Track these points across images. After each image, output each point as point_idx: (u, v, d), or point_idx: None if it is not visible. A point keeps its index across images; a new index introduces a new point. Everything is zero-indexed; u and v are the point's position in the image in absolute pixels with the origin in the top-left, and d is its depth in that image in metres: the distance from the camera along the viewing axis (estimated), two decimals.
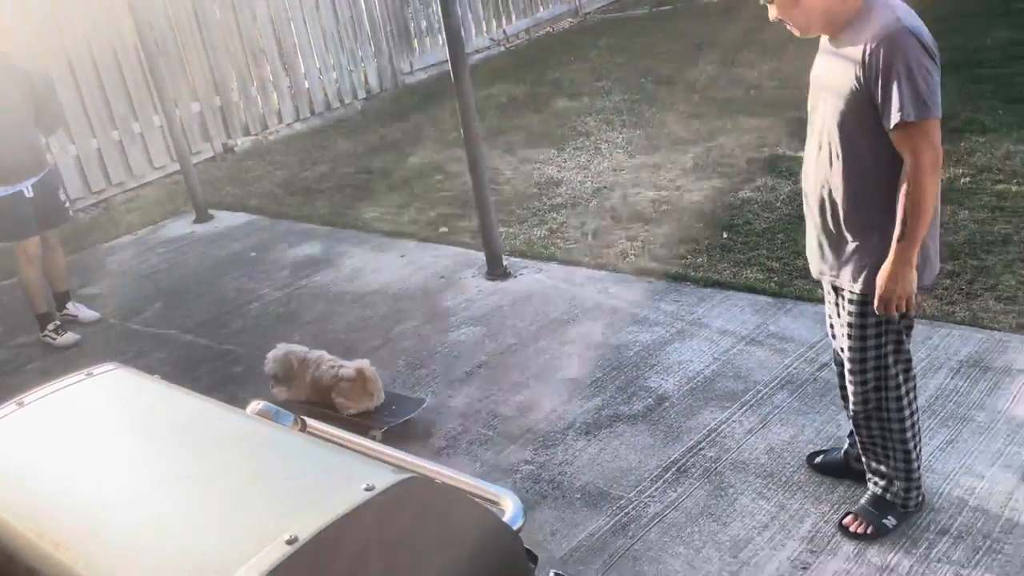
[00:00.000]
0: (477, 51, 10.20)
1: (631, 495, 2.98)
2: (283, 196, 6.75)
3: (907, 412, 2.51)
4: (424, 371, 3.98)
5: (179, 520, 1.06)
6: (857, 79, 2.16)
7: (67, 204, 4.90)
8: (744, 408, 3.34)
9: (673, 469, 3.08)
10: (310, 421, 1.48)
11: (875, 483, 2.65)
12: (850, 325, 2.46)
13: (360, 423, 3.44)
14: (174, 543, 1.02)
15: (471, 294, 4.66)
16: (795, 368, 3.53)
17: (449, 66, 4.49)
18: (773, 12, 2.29)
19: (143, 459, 1.21)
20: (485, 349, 4.09)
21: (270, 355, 3.75)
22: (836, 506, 2.78)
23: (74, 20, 6.98)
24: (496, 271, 4.80)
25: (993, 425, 3.01)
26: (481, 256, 4.91)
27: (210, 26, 7.91)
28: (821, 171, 2.38)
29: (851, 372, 2.52)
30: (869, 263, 2.33)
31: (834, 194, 2.35)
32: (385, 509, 1.03)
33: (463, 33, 10.72)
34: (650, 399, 3.50)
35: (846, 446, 2.87)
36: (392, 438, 3.31)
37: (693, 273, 4.48)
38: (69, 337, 4.79)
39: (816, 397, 3.33)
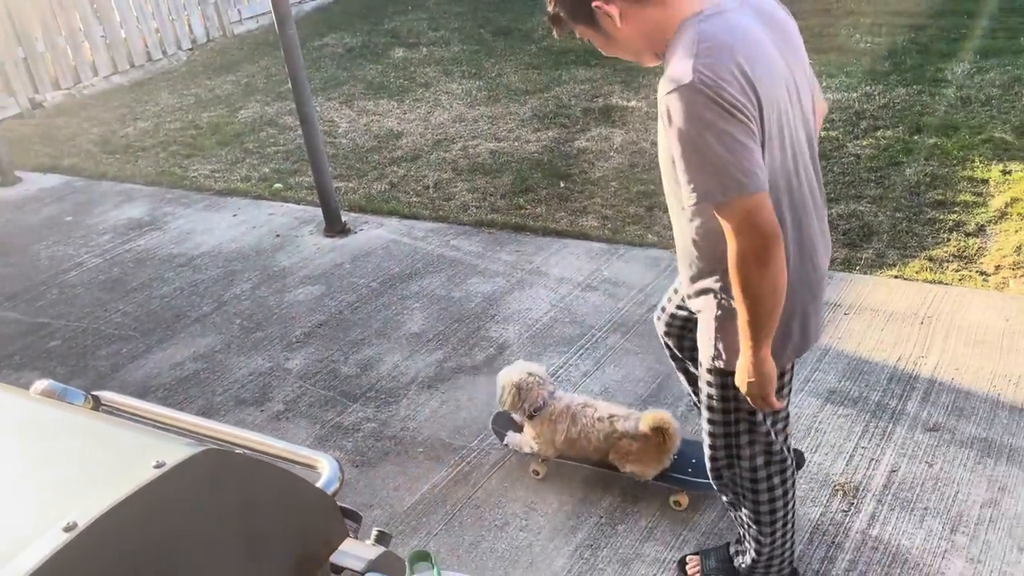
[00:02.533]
0: None
1: (473, 444, 3.03)
2: (101, 155, 6.27)
3: (764, 498, 2.12)
4: (260, 334, 3.85)
5: None
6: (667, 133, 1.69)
7: None
8: (580, 352, 3.45)
9: None
10: (107, 395, 1.40)
11: (736, 538, 2.34)
12: (702, 390, 2.08)
13: (655, 485, 2.68)
14: None
15: (309, 252, 4.54)
16: (627, 311, 3.68)
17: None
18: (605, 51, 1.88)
19: None
20: (324, 308, 4.00)
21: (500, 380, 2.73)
22: None
23: None
24: (335, 227, 4.69)
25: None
26: (319, 213, 4.78)
27: None
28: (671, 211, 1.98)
29: (704, 436, 2.13)
30: (713, 332, 1.92)
31: (677, 241, 1.96)
32: (176, 485, 0.98)
33: None
34: (491, 349, 3.55)
35: None
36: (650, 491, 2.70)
37: (532, 223, 4.54)
38: None
39: (647, 337, 3.48)
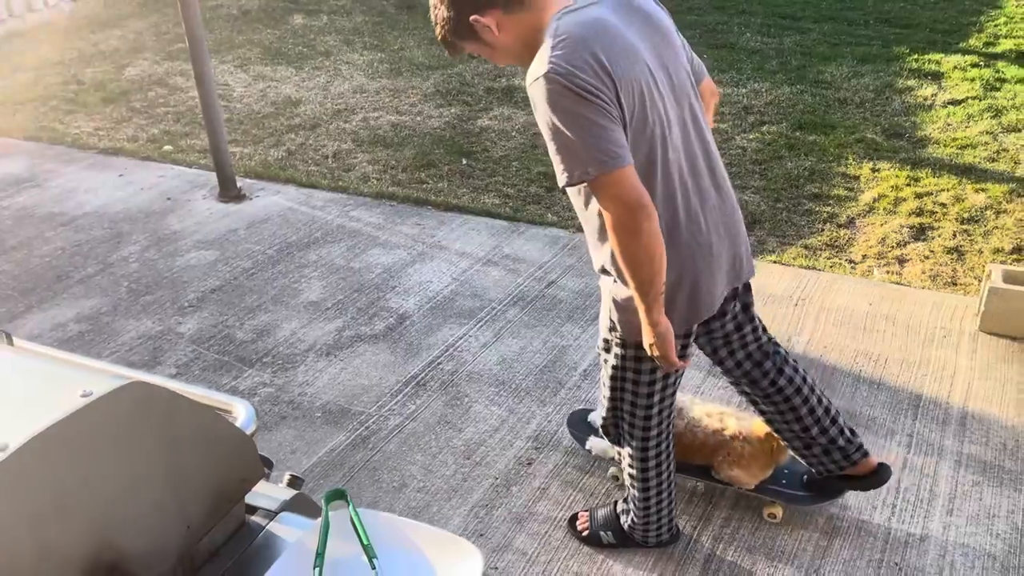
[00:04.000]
0: None
1: (372, 410, 3.07)
2: None
3: (637, 467, 2.29)
4: (150, 297, 3.74)
5: None
6: None
7: None
8: (480, 324, 3.53)
9: (413, 384, 3.20)
10: (18, 340, 1.37)
11: (624, 497, 2.46)
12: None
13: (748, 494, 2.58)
14: None
15: (201, 216, 4.42)
16: (526, 286, 3.78)
17: None
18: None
19: None
20: (219, 273, 3.92)
21: None
22: (559, 407, 3.06)
23: None
24: (229, 192, 4.59)
25: None
26: (213, 177, 4.66)
27: None
28: None
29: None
30: (611, 305, 2.06)
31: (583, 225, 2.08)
32: (106, 414, 1.00)
33: None
34: (391, 319, 3.58)
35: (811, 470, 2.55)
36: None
37: (434, 197, 4.58)
38: None
39: (544, 312, 3.60)
